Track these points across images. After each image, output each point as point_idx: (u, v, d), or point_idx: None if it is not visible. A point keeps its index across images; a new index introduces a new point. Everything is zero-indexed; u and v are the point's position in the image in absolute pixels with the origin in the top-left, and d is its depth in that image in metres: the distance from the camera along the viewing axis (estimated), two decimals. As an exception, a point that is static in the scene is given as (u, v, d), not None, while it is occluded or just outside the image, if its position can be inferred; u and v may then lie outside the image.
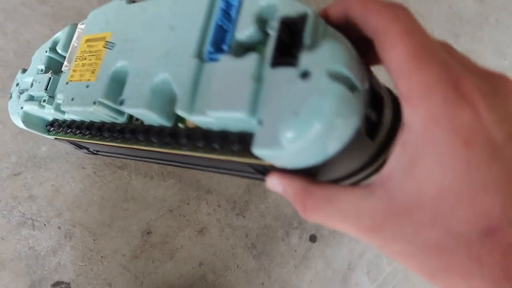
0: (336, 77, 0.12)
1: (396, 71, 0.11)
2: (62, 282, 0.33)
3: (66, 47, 0.24)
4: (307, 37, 0.13)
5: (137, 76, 0.18)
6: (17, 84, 0.27)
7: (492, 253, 0.09)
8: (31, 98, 0.25)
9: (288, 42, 0.14)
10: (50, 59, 0.25)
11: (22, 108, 0.25)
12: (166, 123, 0.17)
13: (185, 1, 0.18)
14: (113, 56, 0.20)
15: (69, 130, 0.23)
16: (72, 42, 0.24)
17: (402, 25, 0.11)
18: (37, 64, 0.24)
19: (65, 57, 0.25)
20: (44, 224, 0.34)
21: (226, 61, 0.14)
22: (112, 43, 0.20)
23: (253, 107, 0.13)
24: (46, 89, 0.23)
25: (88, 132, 0.22)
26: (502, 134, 0.10)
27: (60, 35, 0.25)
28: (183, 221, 0.33)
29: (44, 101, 0.23)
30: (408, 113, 0.10)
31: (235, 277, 0.32)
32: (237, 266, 0.33)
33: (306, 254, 0.34)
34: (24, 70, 0.26)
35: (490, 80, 0.11)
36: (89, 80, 0.21)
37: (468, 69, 0.11)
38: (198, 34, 0.16)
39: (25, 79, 0.26)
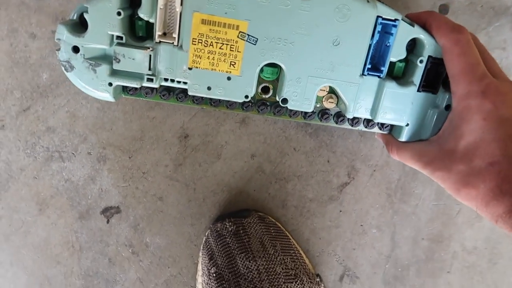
0: None
1: (452, 78, 0.33)
2: (111, 207, 0.52)
3: (150, 11, 0.33)
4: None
5: (298, 81, 0.34)
6: (76, 50, 0.34)
7: (492, 174, 0.30)
8: (120, 73, 0.35)
9: (432, 75, 0.34)
10: (124, 23, 0.34)
11: (111, 84, 0.35)
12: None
13: (354, 22, 0.34)
14: (258, 52, 0.34)
15: (170, 96, 0.38)
16: (158, 5, 0.33)
17: (460, 48, 0.32)
18: (103, 27, 0.33)
19: (147, 22, 0.34)
20: (73, 154, 0.48)
21: (392, 87, 0.35)
22: (254, 37, 0.33)
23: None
24: (150, 69, 0.34)
25: (207, 102, 0.39)
26: (508, 113, 0.30)
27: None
28: (220, 115, 0.50)
29: (149, 80, 0.34)
30: (455, 103, 0.33)
31: (295, 161, 0.51)
32: (294, 149, 0.51)
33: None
34: (71, 26, 0.34)
35: (507, 83, 0.32)
36: (229, 72, 0.34)
37: (495, 75, 0.32)
38: (364, 56, 0.33)
39: (89, 45, 0.34)
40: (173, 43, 0.34)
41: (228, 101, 0.37)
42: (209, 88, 0.35)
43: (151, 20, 0.33)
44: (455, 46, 0.32)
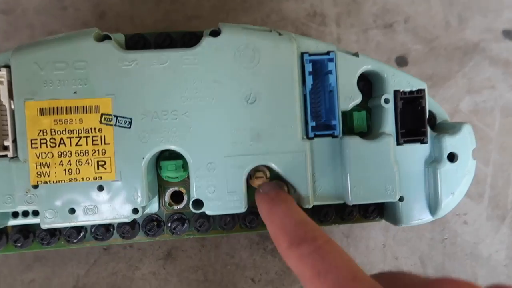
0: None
1: None
2: None
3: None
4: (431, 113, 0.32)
5: (211, 167, 0.28)
6: None
7: None
8: None
9: (410, 116, 0.29)
10: None
11: None
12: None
13: (268, 65, 0.29)
14: (137, 139, 0.28)
15: (29, 239, 0.32)
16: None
17: (310, 270, 0.22)
18: None
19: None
20: None
21: (357, 145, 0.29)
22: (126, 118, 0.27)
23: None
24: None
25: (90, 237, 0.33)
26: None
27: None
28: (134, 253, 0.42)
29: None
30: None
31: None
32: (253, 280, 0.43)
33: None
34: None
35: None
36: (99, 178, 0.28)
37: None
38: (299, 111, 0.28)
39: None
40: (7, 155, 0.28)
41: (122, 226, 0.31)
42: (72, 211, 0.28)
43: None
44: (304, 272, 0.23)
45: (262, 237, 0.43)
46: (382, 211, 0.33)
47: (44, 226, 0.28)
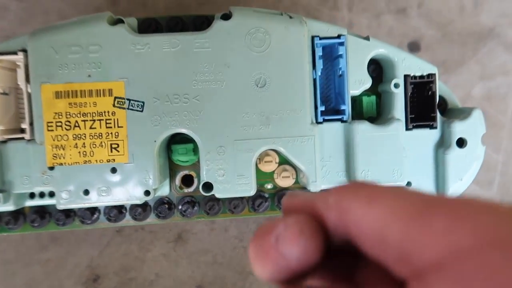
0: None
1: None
2: None
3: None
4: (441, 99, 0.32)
5: (221, 151, 0.29)
6: None
7: None
8: None
9: (420, 101, 0.30)
10: None
11: None
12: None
13: (279, 48, 0.30)
14: (149, 122, 0.29)
15: (46, 219, 0.33)
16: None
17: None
18: None
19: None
20: None
21: (365, 131, 0.29)
22: (139, 101, 0.28)
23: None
24: (-10, 185, 0.29)
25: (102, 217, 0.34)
26: None
27: None
28: (145, 235, 0.44)
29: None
30: None
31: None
32: (262, 263, 0.46)
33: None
34: None
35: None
36: (112, 160, 0.29)
37: None
38: (309, 96, 0.29)
39: None
40: (24, 138, 0.29)
41: (135, 208, 0.32)
42: (86, 192, 0.29)
43: None
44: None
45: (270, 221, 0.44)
46: None
47: (59, 207, 0.29)
